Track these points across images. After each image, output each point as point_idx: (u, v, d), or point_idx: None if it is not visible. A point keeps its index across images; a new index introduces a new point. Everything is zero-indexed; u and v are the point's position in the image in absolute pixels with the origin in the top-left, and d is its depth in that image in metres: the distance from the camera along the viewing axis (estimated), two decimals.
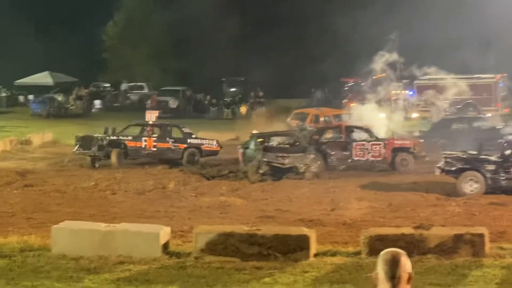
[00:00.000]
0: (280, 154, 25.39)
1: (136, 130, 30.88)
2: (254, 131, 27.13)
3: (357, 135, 28.16)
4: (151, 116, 31.28)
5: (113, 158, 28.14)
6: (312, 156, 25.31)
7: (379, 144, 27.18)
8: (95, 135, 29.07)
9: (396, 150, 27.15)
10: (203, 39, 63.00)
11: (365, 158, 27.20)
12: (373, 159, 27.20)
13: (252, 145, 25.71)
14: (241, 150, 26.42)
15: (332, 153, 26.94)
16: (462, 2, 48.52)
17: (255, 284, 12.05)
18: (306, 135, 26.55)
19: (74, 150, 29.04)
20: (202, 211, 19.93)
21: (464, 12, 49.16)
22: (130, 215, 19.02)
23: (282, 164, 25.23)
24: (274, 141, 27.29)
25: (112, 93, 64.00)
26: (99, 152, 27.93)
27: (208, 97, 56.62)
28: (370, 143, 27.28)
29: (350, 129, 28.36)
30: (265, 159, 25.04)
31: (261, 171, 24.78)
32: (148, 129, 30.17)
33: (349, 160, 27.06)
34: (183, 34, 63.76)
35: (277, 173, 25.21)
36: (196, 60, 63.48)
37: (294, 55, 59.52)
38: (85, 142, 28.58)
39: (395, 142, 27.62)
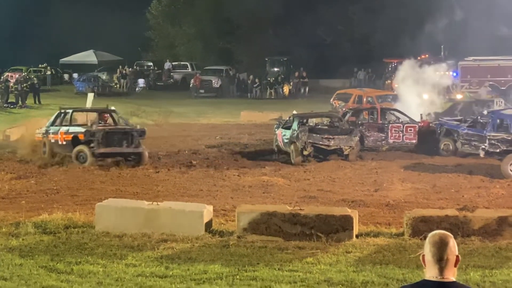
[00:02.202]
0: (326, 136, 24.93)
1: None
2: (295, 112, 27.03)
3: (392, 117, 28.18)
4: None
5: None
6: (357, 138, 25.12)
7: (414, 126, 27.11)
8: None
9: (429, 132, 27.03)
10: (246, 18, 62.95)
11: (401, 140, 27.17)
12: (408, 141, 27.15)
13: (295, 126, 25.27)
14: (279, 131, 26.17)
15: (369, 134, 26.98)
16: None
17: (297, 263, 12.07)
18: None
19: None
20: (244, 190, 19.97)
21: None
22: (173, 194, 19.13)
23: (328, 146, 24.88)
24: (313, 122, 27.09)
25: (156, 72, 64.32)
26: None
27: (251, 76, 56.66)
28: (405, 125, 27.21)
29: (384, 111, 28.36)
30: (310, 140, 24.61)
31: (305, 153, 24.47)
32: None
33: (384, 142, 27.09)
34: (227, 13, 63.76)
35: (321, 154, 25.02)
36: (240, 39, 63.55)
37: (337, 35, 59.28)
38: None
39: (430, 124, 27.59)
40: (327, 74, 59.85)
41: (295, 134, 24.63)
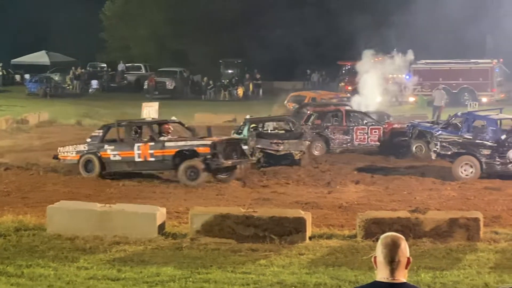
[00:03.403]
0: (275, 141, 24.39)
1: None
2: (248, 116, 26.95)
3: (357, 119, 28.31)
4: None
5: None
6: (307, 142, 24.96)
7: (378, 128, 27.30)
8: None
9: (395, 134, 27.22)
10: (201, 20, 62.88)
11: (366, 142, 27.35)
12: (373, 143, 27.33)
13: (245, 131, 24.96)
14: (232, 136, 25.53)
15: (334, 137, 27.11)
16: None
17: (250, 265, 12.07)
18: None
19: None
20: (198, 192, 19.94)
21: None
22: (127, 196, 19.04)
23: (277, 151, 24.33)
24: (270, 127, 26.66)
25: (109, 73, 63.97)
26: None
27: (205, 78, 56.61)
28: (370, 127, 27.39)
29: (349, 113, 28.49)
30: (258, 146, 24.11)
31: (254, 158, 23.81)
32: None
33: (350, 144, 27.27)
34: (181, 15, 63.60)
35: (271, 160, 24.42)
36: (194, 41, 63.42)
37: (291, 37, 59.38)
38: None
39: (394, 126, 27.77)
40: (282, 76, 60.04)
41: (244, 139, 24.14)
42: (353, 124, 27.74)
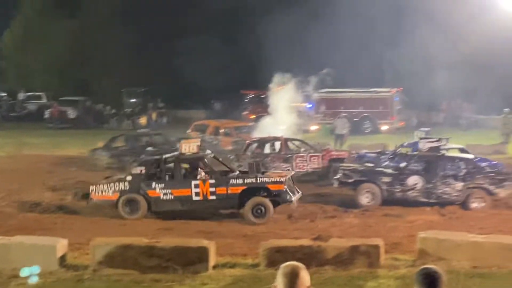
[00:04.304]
0: None
1: None
2: (149, 148, 26.43)
3: (295, 147, 28.61)
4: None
5: None
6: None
7: (317, 156, 27.55)
8: None
9: (333, 161, 27.53)
10: (103, 49, 62.41)
11: (305, 170, 27.52)
12: (313, 170, 27.56)
13: None
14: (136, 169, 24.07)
15: (274, 165, 27.12)
16: (355, 20, 49.48)
17: None
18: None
19: None
20: (100, 223, 19.68)
21: (361, 29, 50.22)
22: (27, 228, 18.62)
23: None
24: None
25: (9, 102, 62.72)
26: None
27: (108, 107, 56.15)
28: (309, 154, 27.64)
29: (288, 142, 28.71)
30: None
31: None
32: None
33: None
34: (83, 44, 62.99)
35: None
36: (96, 70, 62.86)
37: (194, 67, 59.53)
38: None
39: (332, 153, 28.19)
40: (185, 105, 60.07)
41: None
42: (292, 152, 27.98)
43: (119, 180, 21.25)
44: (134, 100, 59.03)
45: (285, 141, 28.58)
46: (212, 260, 13.77)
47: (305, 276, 5.12)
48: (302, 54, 40.57)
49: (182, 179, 21.05)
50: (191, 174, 21.52)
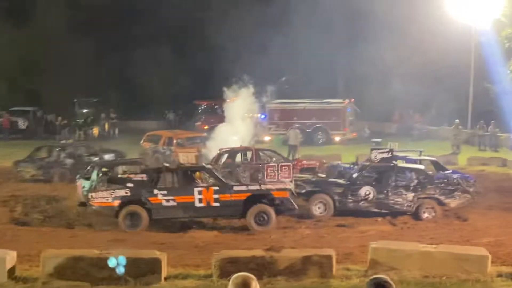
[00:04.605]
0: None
1: None
2: (95, 159, 26.12)
3: (266, 157, 28.63)
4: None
5: None
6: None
7: (288, 165, 27.55)
8: None
9: (304, 171, 27.59)
10: (55, 58, 61.85)
11: (276, 180, 27.47)
12: (283, 180, 27.57)
13: (94, 176, 22.69)
14: (80, 182, 23.50)
15: (245, 175, 27.06)
16: (309, 30, 49.82)
17: None
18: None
19: None
20: (51, 234, 19.46)
21: (314, 40, 50.52)
22: None
23: None
24: (119, 170, 24.68)
25: None
26: None
27: (60, 118, 55.65)
28: (280, 164, 27.62)
29: (259, 152, 28.73)
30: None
31: None
32: None
33: (261, 182, 27.32)
34: (34, 53, 62.37)
35: None
36: (48, 80, 62.26)
37: (147, 77, 59.36)
38: None
39: (303, 163, 28.27)
40: (138, 115, 59.86)
41: (93, 186, 22.07)
42: (263, 162, 27.97)
43: (120, 188, 20.96)
44: (87, 110, 58.59)
45: (256, 151, 28.66)
46: (165, 271, 13.69)
47: (256, 287, 5.11)
48: (256, 64, 40.61)
49: (185, 185, 20.97)
50: (194, 182, 21.53)
